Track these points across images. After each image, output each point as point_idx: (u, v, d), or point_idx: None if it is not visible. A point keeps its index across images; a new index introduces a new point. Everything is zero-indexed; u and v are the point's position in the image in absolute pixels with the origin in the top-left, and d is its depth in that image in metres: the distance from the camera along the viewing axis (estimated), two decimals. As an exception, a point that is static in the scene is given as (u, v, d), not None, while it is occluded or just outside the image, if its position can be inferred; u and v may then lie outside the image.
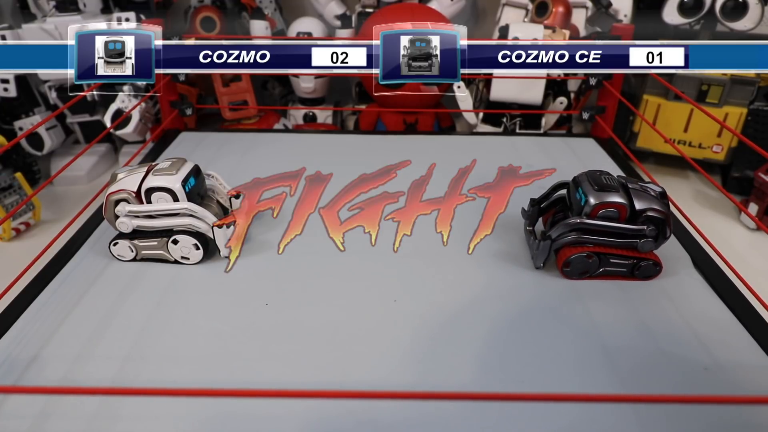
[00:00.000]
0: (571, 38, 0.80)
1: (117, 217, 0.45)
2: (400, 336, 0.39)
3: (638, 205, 0.43)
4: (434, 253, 0.49)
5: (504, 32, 0.77)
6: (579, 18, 0.85)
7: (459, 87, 0.80)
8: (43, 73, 0.77)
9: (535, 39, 0.74)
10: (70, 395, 0.34)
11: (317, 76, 0.89)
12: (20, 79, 0.76)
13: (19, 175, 0.67)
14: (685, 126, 0.76)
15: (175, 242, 0.46)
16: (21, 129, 0.78)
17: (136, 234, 0.46)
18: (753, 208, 0.68)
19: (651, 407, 0.34)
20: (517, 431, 0.33)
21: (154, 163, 0.47)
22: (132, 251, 0.47)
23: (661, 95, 0.77)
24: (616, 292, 0.44)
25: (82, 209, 0.53)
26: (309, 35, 0.86)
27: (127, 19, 0.75)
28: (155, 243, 0.46)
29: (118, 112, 0.77)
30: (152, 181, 0.45)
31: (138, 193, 0.45)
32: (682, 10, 0.75)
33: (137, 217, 0.45)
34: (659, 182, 0.60)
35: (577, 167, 0.64)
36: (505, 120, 0.79)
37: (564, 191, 0.48)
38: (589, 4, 0.85)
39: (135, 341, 0.39)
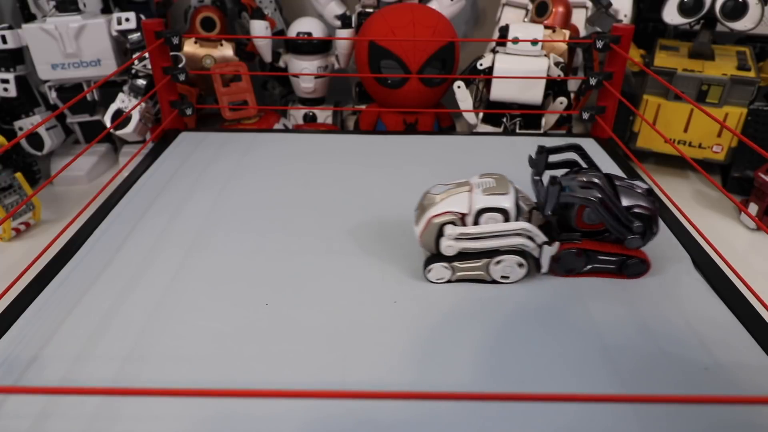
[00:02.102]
0: (571, 38, 0.81)
1: (438, 239, 0.44)
2: (399, 336, 0.39)
3: (625, 202, 0.43)
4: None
5: (504, 32, 0.77)
6: (579, 18, 0.85)
7: (459, 87, 0.80)
8: (42, 72, 0.77)
9: (535, 39, 0.74)
10: (70, 395, 0.34)
11: (317, 76, 0.89)
12: (20, 79, 0.76)
13: (19, 175, 0.67)
14: (685, 126, 0.76)
15: (499, 263, 0.44)
16: (21, 129, 0.78)
17: (457, 256, 0.44)
18: (753, 208, 0.68)
19: (651, 407, 0.34)
20: (517, 431, 0.33)
21: (468, 181, 0.45)
22: (449, 273, 0.45)
23: (661, 95, 0.77)
24: (617, 291, 0.44)
25: (82, 209, 0.53)
26: (309, 35, 0.86)
27: (127, 19, 0.76)
28: (479, 264, 0.44)
29: (118, 112, 0.77)
30: (486, 202, 0.43)
31: (464, 215, 0.43)
32: (682, 10, 0.75)
33: (463, 239, 0.43)
34: (659, 182, 0.60)
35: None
36: (505, 120, 0.79)
37: (575, 154, 0.47)
38: (589, 4, 0.85)
39: (135, 341, 0.39)
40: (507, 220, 0.43)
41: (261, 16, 0.85)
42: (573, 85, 0.84)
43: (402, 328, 0.40)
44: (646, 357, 0.38)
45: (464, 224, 0.44)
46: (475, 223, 0.43)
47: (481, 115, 0.81)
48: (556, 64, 0.76)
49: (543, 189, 0.45)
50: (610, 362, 0.37)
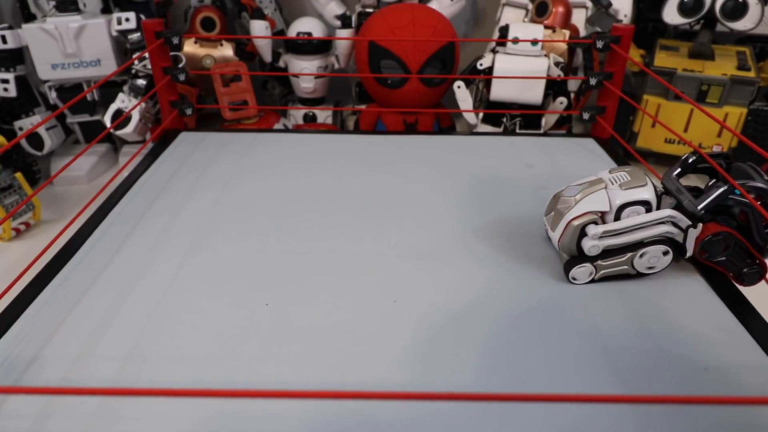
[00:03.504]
0: (571, 38, 0.81)
1: (580, 241, 0.43)
2: (400, 336, 0.39)
3: None
4: (435, 253, 0.49)
5: (504, 32, 0.77)
6: (579, 18, 0.85)
7: (459, 87, 0.80)
8: (42, 72, 0.77)
9: (535, 39, 0.74)
10: (70, 395, 0.34)
11: (317, 76, 0.89)
12: (20, 79, 0.76)
13: (19, 175, 0.67)
14: (685, 126, 0.76)
15: (643, 255, 0.43)
16: (21, 129, 0.78)
17: (600, 254, 0.43)
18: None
19: (652, 407, 0.34)
20: (518, 431, 0.33)
21: (601, 178, 0.45)
22: (592, 273, 0.44)
23: (661, 95, 0.77)
24: (617, 293, 0.44)
25: (82, 209, 0.53)
26: (309, 35, 0.86)
27: (127, 19, 0.76)
28: (623, 259, 0.44)
29: (118, 112, 0.77)
30: (627, 196, 0.42)
31: (605, 213, 0.43)
32: (682, 10, 0.75)
33: (607, 236, 0.43)
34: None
35: (577, 167, 0.64)
36: (505, 120, 0.79)
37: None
38: (589, 4, 0.85)
39: (135, 341, 0.39)
40: (649, 211, 0.43)
41: (261, 16, 0.85)
42: (573, 85, 0.84)
43: (402, 328, 0.40)
44: (646, 357, 0.38)
45: (604, 222, 0.43)
46: (617, 218, 0.43)
47: (481, 115, 0.81)
48: (556, 64, 0.76)
49: (686, 188, 0.44)
50: (611, 362, 0.37)
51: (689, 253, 0.44)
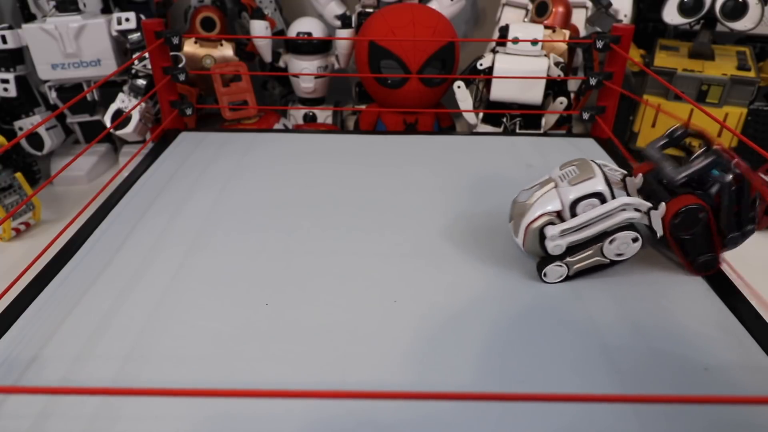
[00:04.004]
0: (570, 38, 0.81)
1: (543, 242, 0.43)
2: (400, 336, 0.40)
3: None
4: (434, 253, 0.49)
5: (504, 32, 0.77)
6: (579, 18, 0.85)
7: (459, 87, 0.80)
8: (42, 72, 0.77)
9: (535, 39, 0.74)
10: (70, 395, 0.34)
11: (317, 76, 0.89)
12: (20, 79, 0.76)
13: (19, 175, 0.67)
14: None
15: (611, 242, 0.43)
16: (21, 129, 0.78)
17: (567, 251, 0.44)
18: (753, 208, 0.68)
19: (651, 407, 0.34)
20: (517, 431, 0.33)
21: (550, 177, 0.45)
22: (564, 270, 0.44)
23: (661, 95, 0.77)
24: (616, 292, 0.44)
25: (82, 209, 0.53)
26: (309, 35, 0.86)
27: (127, 19, 0.76)
28: (590, 252, 0.44)
29: (118, 112, 0.77)
30: (577, 192, 0.42)
31: (560, 211, 0.43)
32: (682, 10, 0.75)
33: (567, 234, 0.43)
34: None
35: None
36: (505, 120, 0.79)
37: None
38: (589, 4, 0.85)
39: (135, 341, 0.39)
40: (604, 201, 0.43)
41: (261, 16, 0.85)
42: (573, 85, 0.84)
43: (402, 328, 0.40)
44: (645, 357, 0.38)
45: (562, 220, 0.43)
46: (573, 215, 0.43)
47: (481, 115, 0.81)
48: (556, 64, 0.76)
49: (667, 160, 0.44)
50: (610, 362, 0.37)
51: (660, 233, 0.44)
